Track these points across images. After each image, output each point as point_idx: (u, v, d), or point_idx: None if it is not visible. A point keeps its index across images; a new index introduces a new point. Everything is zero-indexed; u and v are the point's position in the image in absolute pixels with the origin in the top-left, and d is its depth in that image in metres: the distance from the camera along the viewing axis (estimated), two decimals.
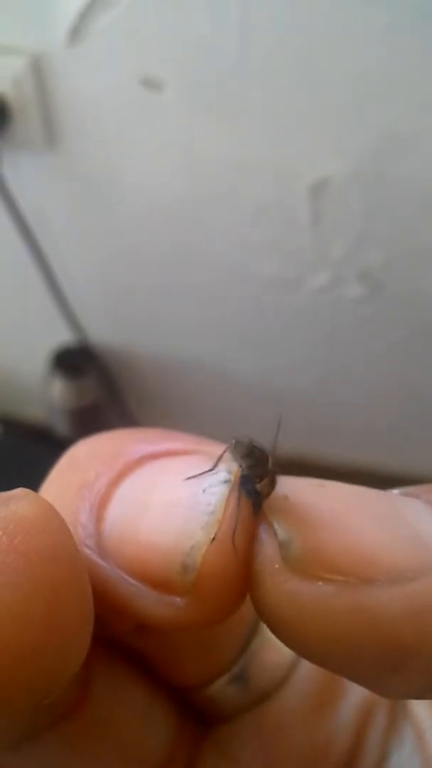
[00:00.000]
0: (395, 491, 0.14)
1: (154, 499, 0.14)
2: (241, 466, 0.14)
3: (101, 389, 0.86)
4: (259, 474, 0.13)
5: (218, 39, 0.55)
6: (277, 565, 0.12)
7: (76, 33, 0.58)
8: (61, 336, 0.83)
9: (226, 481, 0.13)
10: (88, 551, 0.14)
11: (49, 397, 0.86)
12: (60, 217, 0.73)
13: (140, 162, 0.65)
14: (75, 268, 0.77)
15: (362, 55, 0.53)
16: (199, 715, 0.19)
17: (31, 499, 0.12)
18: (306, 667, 0.19)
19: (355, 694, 0.19)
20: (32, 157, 0.68)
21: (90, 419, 0.85)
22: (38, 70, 0.61)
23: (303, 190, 0.63)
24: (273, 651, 0.19)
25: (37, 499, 0.12)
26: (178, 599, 0.13)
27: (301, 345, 0.78)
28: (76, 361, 0.84)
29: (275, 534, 0.13)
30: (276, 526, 0.13)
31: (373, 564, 0.12)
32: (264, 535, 0.13)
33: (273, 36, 0.54)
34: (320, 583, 0.12)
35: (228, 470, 0.14)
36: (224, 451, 0.14)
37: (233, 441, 0.14)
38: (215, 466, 0.14)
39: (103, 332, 0.83)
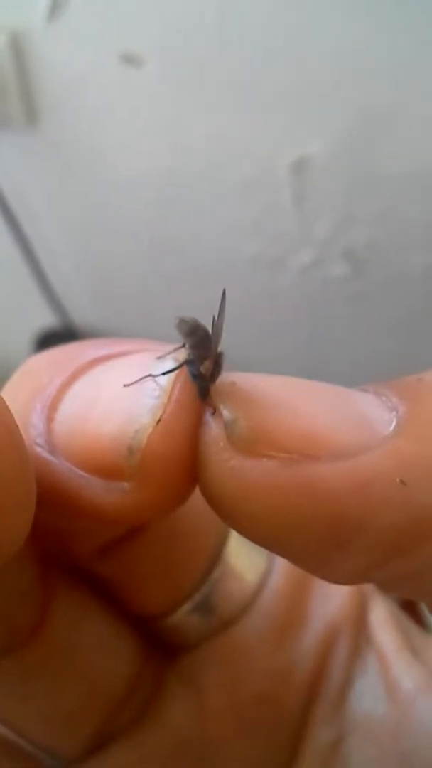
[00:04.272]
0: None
1: (103, 393, 0.14)
2: (185, 345, 0.14)
3: None
4: (202, 355, 0.13)
5: (198, 14, 0.54)
6: (221, 443, 0.12)
7: (54, 8, 0.58)
8: (45, 319, 0.83)
9: (171, 367, 0.13)
10: (38, 449, 0.13)
11: None
12: (41, 197, 0.72)
13: (121, 139, 0.65)
14: (57, 248, 0.76)
15: (343, 32, 0.53)
16: (163, 645, 0.19)
17: None
18: (269, 595, 0.19)
19: (318, 622, 0.19)
20: (12, 136, 0.67)
21: None
22: (17, 46, 0.61)
23: (285, 168, 0.62)
24: (235, 579, 0.19)
25: None
26: (125, 484, 0.13)
27: (287, 323, 0.78)
28: (60, 344, 0.83)
29: (221, 415, 0.12)
30: (222, 407, 0.13)
31: (317, 441, 0.12)
32: (210, 417, 0.13)
33: (253, 12, 0.53)
34: (264, 460, 0.12)
35: (174, 358, 0.14)
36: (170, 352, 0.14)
37: (177, 319, 0.14)
38: (164, 356, 0.14)
39: (87, 314, 0.83)
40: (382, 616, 0.19)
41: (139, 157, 0.66)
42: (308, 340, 0.79)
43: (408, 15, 0.51)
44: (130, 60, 0.59)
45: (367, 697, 0.19)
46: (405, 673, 0.18)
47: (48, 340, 0.84)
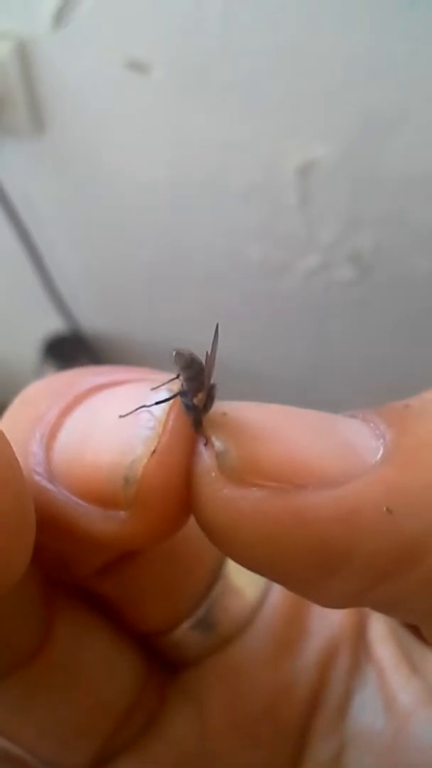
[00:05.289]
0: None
1: (100, 423, 0.14)
2: (179, 377, 0.14)
3: None
4: (196, 387, 0.14)
5: (202, 20, 0.54)
6: (213, 474, 0.13)
7: (60, 17, 0.58)
8: (53, 324, 0.83)
9: (166, 398, 0.14)
10: (37, 477, 0.14)
11: None
12: (48, 203, 0.72)
13: (127, 146, 0.65)
14: (64, 254, 0.77)
15: (346, 36, 0.53)
16: (164, 662, 0.20)
17: None
18: (269, 611, 0.19)
19: (317, 637, 0.19)
20: (19, 144, 0.68)
21: None
22: (23, 55, 0.61)
23: (290, 172, 0.63)
24: (235, 595, 0.19)
25: None
26: (122, 513, 0.13)
27: (292, 328, 0.78)
28: (68, 349, 0.84)
29: (213, 446, 0.13)
30: (213, 438, 0.13)
31: (305, 470, 0.12)
32: (202, 447, 0.13)
33: (257, 17, 0.53)
34: (254, 489, 0.12)
35: (169, 389, 0.14)
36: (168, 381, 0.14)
37: (174, 352, 0.14)
38: (159, 387, 0.14)
39: (94, 319, 0.83)
40: (381, 631, 0.20)
41: (144, 163, 0.66)
42: (314, 344, 0.79)
43: (412, 18, 0.51)
44: (135, 67, 0.59)
45: (366, 711, 0.19)
46: (403, 688, 0.18)
47: (55, 345, 0.84)
